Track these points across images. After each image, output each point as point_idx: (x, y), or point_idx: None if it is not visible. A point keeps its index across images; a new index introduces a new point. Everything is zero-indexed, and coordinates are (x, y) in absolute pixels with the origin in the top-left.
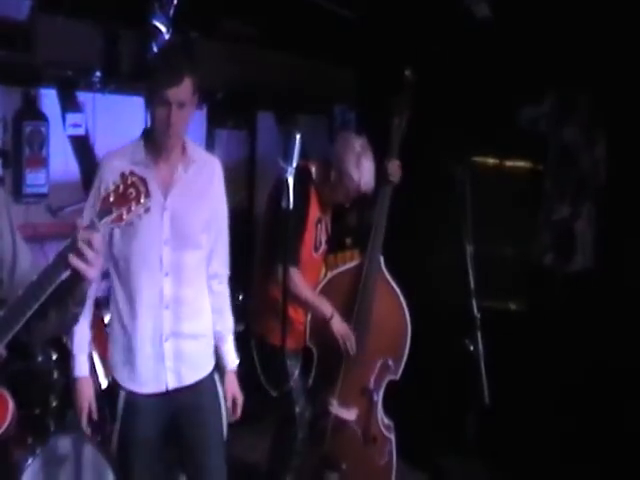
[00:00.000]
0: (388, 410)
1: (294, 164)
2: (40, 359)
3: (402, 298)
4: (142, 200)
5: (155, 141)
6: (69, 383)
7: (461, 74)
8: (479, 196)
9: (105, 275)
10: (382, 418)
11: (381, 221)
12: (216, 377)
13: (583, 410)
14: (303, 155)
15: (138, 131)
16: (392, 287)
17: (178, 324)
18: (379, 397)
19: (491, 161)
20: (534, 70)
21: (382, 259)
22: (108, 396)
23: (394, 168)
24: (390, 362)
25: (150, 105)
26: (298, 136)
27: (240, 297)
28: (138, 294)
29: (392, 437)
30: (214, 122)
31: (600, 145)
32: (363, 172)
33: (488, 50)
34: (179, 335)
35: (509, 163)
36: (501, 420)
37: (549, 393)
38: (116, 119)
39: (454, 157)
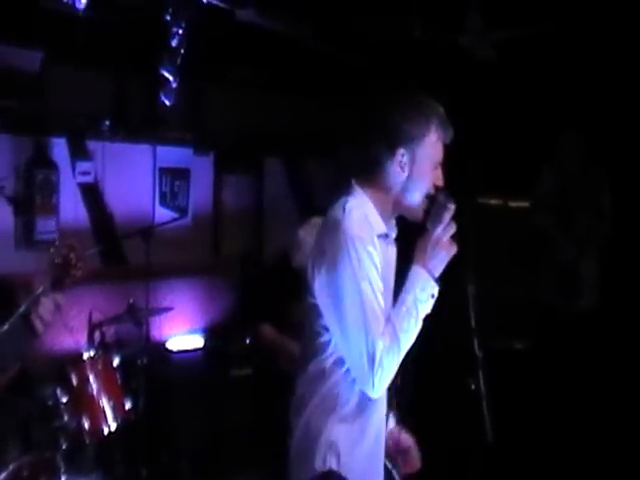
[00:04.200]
0: None
1: None
2: (50, 402)
3: None
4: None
5: (400, 208)
6: (79, 426)
7: (466, 115)
8: (485, 236)
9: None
10: None
11: None
12: None
13: (588, 448)
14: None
15: (147, 179)
16: None
17: None
18: None
19: (495, 202)
20: (538, 111)
21: None
22: None
23: None
24: None
25: (422, 172)
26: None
27: (248, 341)
28: None
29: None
30: (222, 168)
31: (605, 190)
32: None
33: (492, 91)
34: None
35: (513, 204)
36: (505, 459)
37: (554, 431)
38: (125, 167)
39: (458, 198)
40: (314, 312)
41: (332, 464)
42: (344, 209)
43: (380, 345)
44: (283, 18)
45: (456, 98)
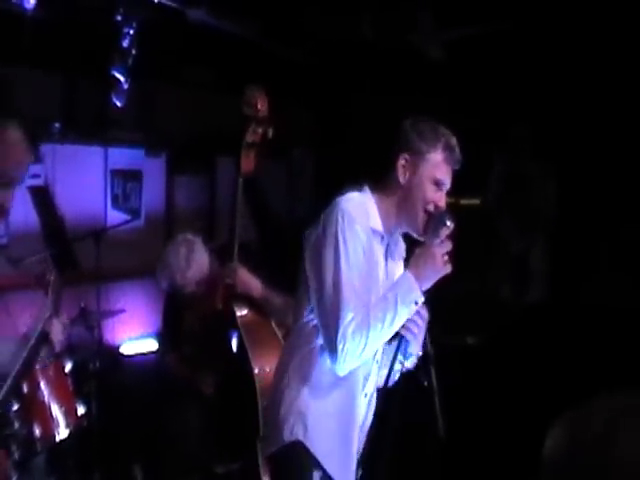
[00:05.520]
0: None
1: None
2: (0, 410)
3: None
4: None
5: (400, 217)
6: (30, 433)
7: (415, 114)
8: None
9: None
10: None
11: None
12: None
13: (540, 442)
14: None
15: (98, 181)
16: None
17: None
18: None
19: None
20: (487, 110)
21: None
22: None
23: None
24: None
25: (421, 183)
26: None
27: None
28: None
29: None
30: (174, 169)
31: (550, 179)
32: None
33: (442, 89)
34: None
35: (464, 201)
36: (457, 454)
37: (505, 426)
38: (76, 169)
39: None
40: (304, 279)
41: (299, 435)
42: (346, 195)
43: (350, 316)
44: (234, 17)
45: (406, 97)
